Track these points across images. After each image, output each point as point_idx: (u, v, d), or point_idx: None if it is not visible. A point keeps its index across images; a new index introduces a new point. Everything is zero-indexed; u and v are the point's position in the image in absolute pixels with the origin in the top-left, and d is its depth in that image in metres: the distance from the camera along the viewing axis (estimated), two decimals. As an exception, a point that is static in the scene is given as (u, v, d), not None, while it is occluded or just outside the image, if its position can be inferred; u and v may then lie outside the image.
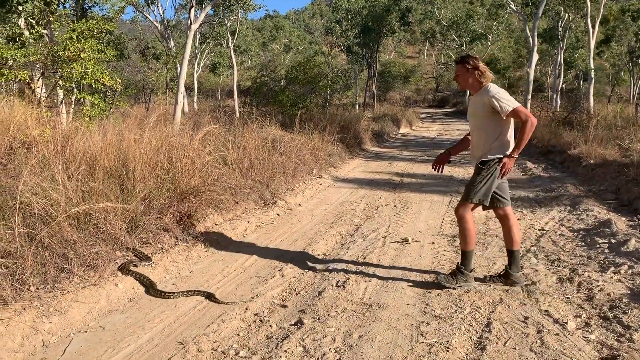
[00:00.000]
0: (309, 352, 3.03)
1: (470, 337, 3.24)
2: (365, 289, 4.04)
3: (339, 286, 4.09)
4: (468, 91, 4.39)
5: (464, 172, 10.82)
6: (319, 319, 3.48)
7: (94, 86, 8.65)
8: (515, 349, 3.08)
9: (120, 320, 3.46)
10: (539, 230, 5.88)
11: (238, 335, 3.27)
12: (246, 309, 3.67)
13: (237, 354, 3.02)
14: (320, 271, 4.50)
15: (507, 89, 4.83)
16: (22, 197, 4.04)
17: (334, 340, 3.18)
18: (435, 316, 3.53)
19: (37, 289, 3.50)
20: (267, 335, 3.27)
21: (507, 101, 3.68)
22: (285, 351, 3.02)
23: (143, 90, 22.27)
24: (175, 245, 4.86)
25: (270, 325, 3.41)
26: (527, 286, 4.04)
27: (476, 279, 4.07)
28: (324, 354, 3.00)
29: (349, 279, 4.25)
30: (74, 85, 8.71)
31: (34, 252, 3.61)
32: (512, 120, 3.81)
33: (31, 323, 3.16)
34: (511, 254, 4.01)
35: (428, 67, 54.61)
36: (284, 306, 3.73)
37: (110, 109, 9.72)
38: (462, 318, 3.50)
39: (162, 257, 4.53)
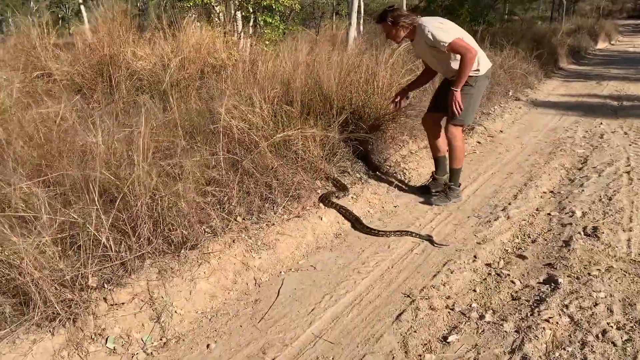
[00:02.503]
0: (580, 326, 2.29)
1: None
2: (627, 240, 3.11)
3: (588, 235, 3.22)
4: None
5: None
6: (577, 278, 2.69)
7: (273, 7, 8.44)
8: None
9: (331, 259, 3.05)
10: None
11: (474, 291, 2.65)
12: (474, 257, 3.02)
13: (480, 317, 2.41)
14: (554, 213, 3.64)
15: None
16: (222, 120, 3.80)
17: (611, 311, 2.39)
18: None
19: (244, 219, 3.24)
20: (511, 295, 2.60)
21: (444, 35, 3.48)
22: (547, 321, 2.32)
23: (312, 14, 22.02)
24: (374, 175, 4.34)
25: (512, 282, 2.72)
26: None
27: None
28: (604, 331, 2.24)
29: (598, 225, 3.33)
30: (252, 9, 8.56)
31: (239, 180, 3.33)
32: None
33: (241, 258, 2.89)
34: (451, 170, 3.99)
35: (629, -30, 45.85)
36: (522, 257, 3.00)
37: (284, 33, 9.49)
38: None
39: (363, 188, 4.04)
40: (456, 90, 3.57)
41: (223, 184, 3.28)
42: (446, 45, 3.46)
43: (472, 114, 3.81)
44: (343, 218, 3.60)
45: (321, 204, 3.66)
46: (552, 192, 4.14)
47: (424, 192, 4.12)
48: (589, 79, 11.09)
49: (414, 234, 3.32)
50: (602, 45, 20.72)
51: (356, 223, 3.52)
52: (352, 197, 3.87)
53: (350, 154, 4.32)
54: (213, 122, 3.99)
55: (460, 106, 3.59)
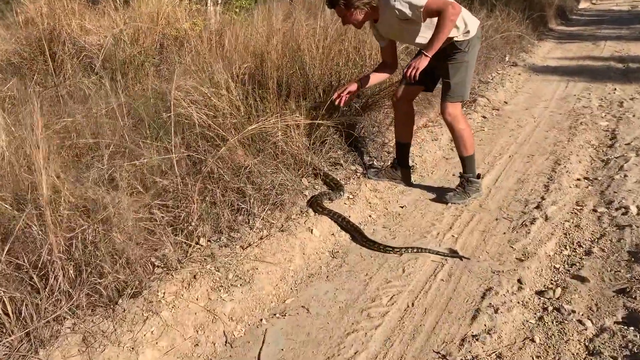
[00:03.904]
0: None
1: None
2: None
3: (658, 242, 2.50)
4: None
5: None
6: (672, 315, 1.97)
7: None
8: None
9: (329, 295, 2.27)
10: None
11: (532, 341, 1.90)
12: (519, 282, 2.28)
13: (555, 391, 1.67)
14: (601, 210, 2.91)
15: None
16: (178, 106, 2.97)
17: None
18: None
19: (209, 241, 2.43)
20: (586, 347, 1.86)
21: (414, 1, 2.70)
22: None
23: (285, -20, 20.81)
24: (371, 166, 3.55)
25: (581, 323, 1.98)
26: None
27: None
28: None
29: (664, 227, 2.62)
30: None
31: (201, 187, 2.51)
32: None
33: (206, 302, 2.09)
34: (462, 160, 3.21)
35: None
36: (581, 278, 2.26)
37: (256, 0, 8.55)
38: None
39: (360, 184, 3.26)
40: (426, 56, 2.70)
41: (179, 194, 2.45)
42: (422, 8, 2.68)
43: (470, 85, 3.05)
44: (339, 227, 2.81)
45: (310, 210, 2.87)
46: (587, 178, 3.41)
47: (377, 175, 3.40)
48: (583, 40, 10.39)
49: (433, 252, 2.55)
50: (584, 4, 20.06)
51: (356, 235, 2.74)
52: (348, 197, 3.09)
53: (343, 141, 3.52)
54: (168, 109, 3.16)
55: (416, 74, 2.73)
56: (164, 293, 2.04)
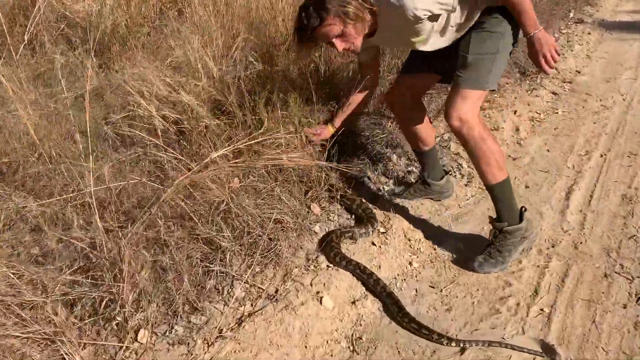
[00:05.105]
0: None
1: None
2: None
3: None
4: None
5: None
6: None
7: None
8: None
9: None
10: None
11: None
12: None
13: None
14: None
15: None
16: (136, 104, 2.10)
17: None
18: None
19: (154, 333, 1.53)
20: None
21: None
22: None
23: None
24: (407, 172, 2.57)
25: None
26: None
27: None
28: None
29: None
30: None
31: (140, 246, 1.58)
32: None
33: None
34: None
35: None
36: None
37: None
38: None
39: (393, 211, 2.27)
40: (539, 30, 1.72)
41: (104, 258, 1.54)
42: None
43: (499, 70, 1.87)
44: (364, 288, 1.87)
45: (323, 257, 1.93)
46: None
47: (410, 193, 2.37)
48: (655, -11, 8.88)
49: (516, 348, 1.57)
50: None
51: (391, 306, 1.79)
52: (378, 232, 2.13)
53: (371, 142, 2.53)
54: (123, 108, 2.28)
55: (557, 53, 1.72)
56: None
